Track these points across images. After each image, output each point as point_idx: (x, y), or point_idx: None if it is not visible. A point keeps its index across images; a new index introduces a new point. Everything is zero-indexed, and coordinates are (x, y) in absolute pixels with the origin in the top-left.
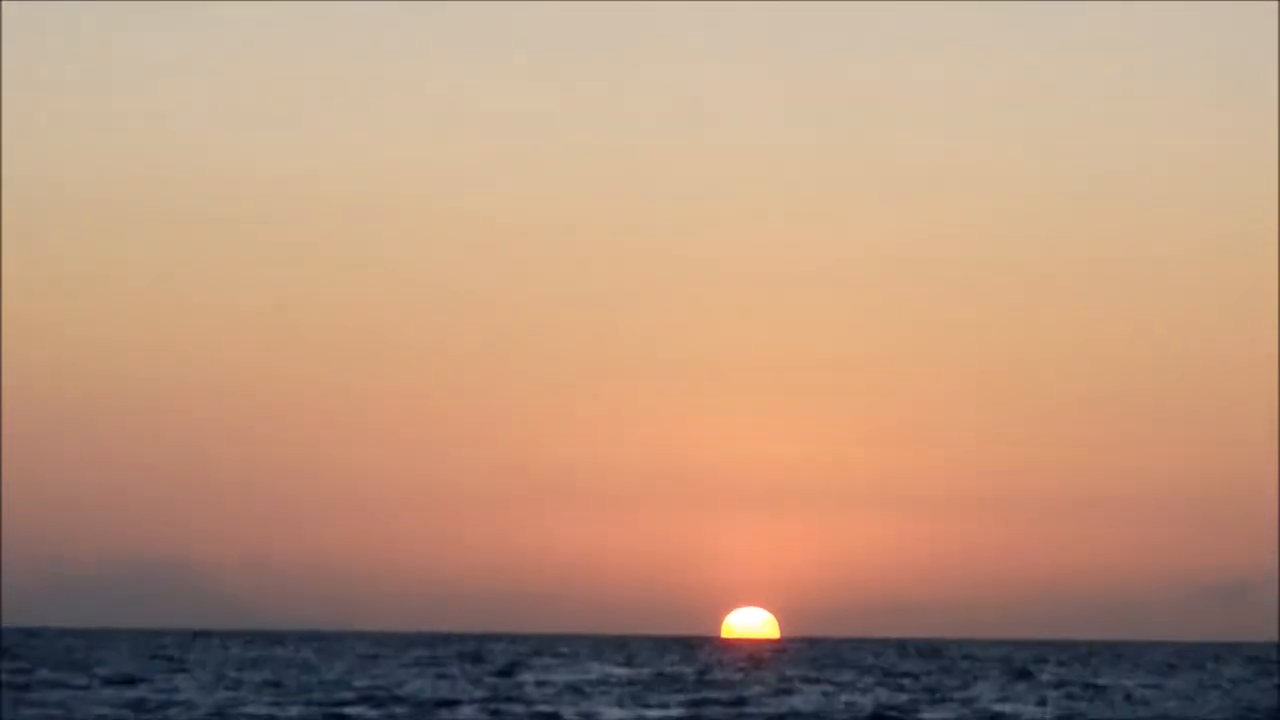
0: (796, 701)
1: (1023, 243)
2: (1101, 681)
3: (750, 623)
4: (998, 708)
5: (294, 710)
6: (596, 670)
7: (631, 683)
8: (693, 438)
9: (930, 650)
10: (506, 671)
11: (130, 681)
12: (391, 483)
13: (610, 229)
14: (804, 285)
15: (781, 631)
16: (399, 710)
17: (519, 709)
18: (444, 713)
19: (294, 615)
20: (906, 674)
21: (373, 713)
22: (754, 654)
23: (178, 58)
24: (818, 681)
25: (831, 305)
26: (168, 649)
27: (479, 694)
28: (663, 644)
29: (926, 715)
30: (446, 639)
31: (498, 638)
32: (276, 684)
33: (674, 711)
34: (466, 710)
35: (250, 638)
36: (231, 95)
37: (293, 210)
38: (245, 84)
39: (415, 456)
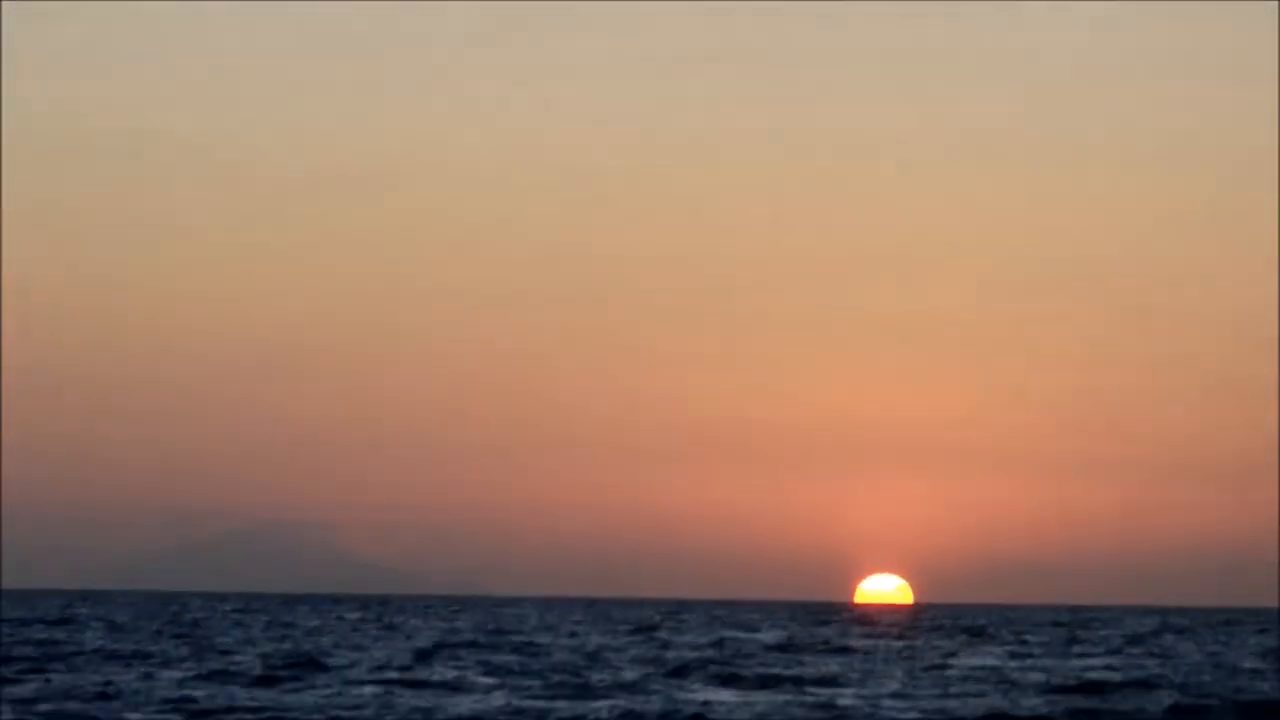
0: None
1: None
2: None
3: (883, 588)
4: None
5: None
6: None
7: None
8: (821, 399)
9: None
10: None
11: None
12: (525, 440)
13: (744, 194)
14: (941, 249)
15: (915, 598)
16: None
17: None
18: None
19: (432, 581)
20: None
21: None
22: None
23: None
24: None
25: (968, 267)
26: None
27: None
28: (804, 610)
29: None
30: (591, 603)
31: (637, 602)
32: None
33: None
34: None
35: (388, 601)
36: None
37: (400, 175)
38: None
39: (550, 413)
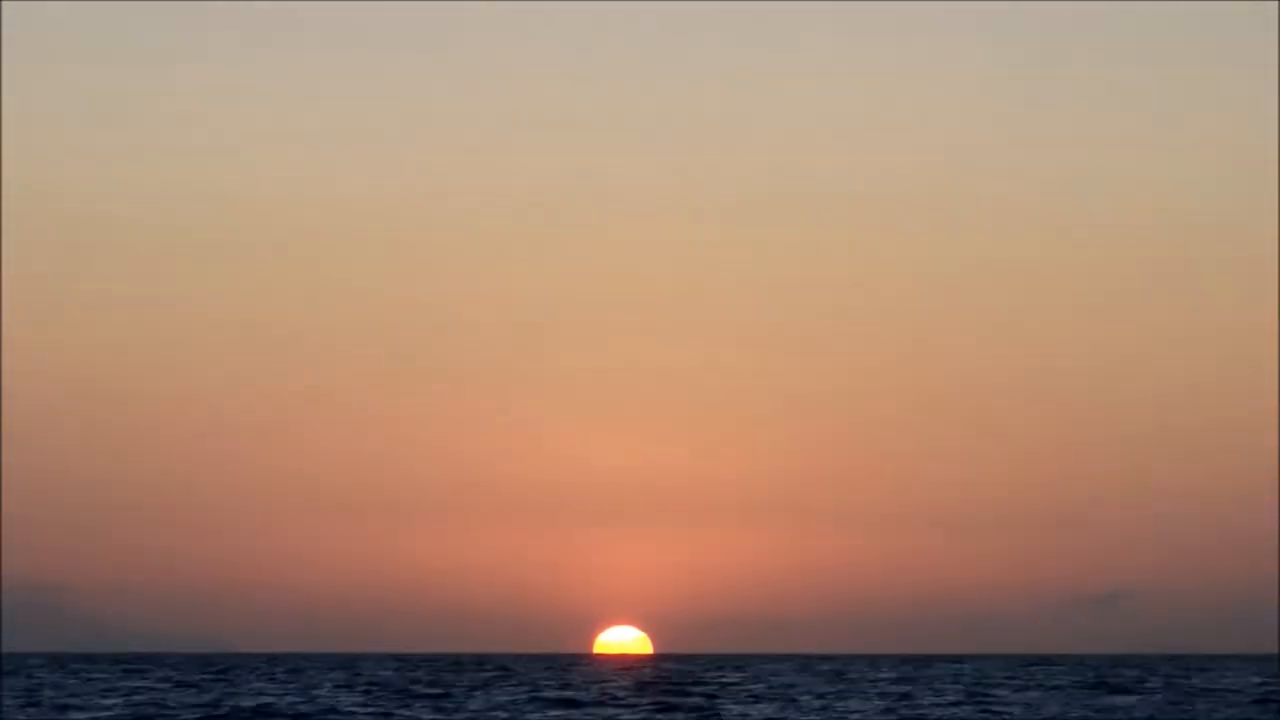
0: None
1: (857, 254)
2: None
3: (622, 639)
4: None
5: None
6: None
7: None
8: (559, 451)
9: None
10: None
11: None
12: (253, 496)
13: (497, 248)
14: (667, 297)
15: (653, 648)
16: None
17: None
18: None
19: (161, 636)
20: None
21: None
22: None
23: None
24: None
25: (693, 317)
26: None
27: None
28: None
29: None
30: (319, 657)
31: (368, 657)
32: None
33: None
34: None
35: (130, 660)
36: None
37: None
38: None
39: (277, 468)
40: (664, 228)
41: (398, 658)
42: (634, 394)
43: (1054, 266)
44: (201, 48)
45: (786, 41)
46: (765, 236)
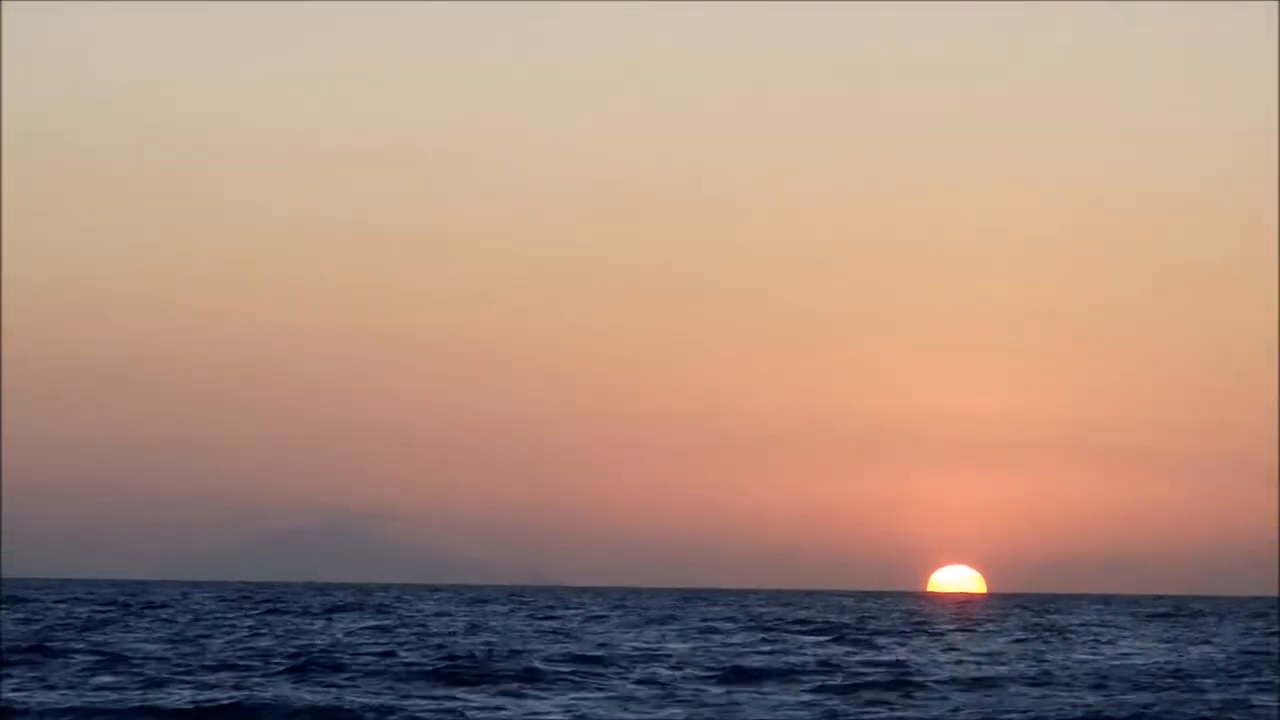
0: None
1: (1185, 201)
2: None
3: (956, 579)
4: None
5: None
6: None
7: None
8: (895, 391)
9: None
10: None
11: None
12: (595, 434)
13: (822, 191)
14: (1014, 243)
15: (988, 588)
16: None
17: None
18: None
19: (492, 569)
20: None
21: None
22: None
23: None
24: None
25: (1041, 262)
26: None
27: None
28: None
29: None
30: (653, 593)
31: (704, 593)
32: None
33: None
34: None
35: (457, 591)
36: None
37: (419, 159)
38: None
39: (616, 406)
40: (1016, 179)
41: (732, 593)
42: (971, 335)
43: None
44: None
45: None
46: (1094, 189)
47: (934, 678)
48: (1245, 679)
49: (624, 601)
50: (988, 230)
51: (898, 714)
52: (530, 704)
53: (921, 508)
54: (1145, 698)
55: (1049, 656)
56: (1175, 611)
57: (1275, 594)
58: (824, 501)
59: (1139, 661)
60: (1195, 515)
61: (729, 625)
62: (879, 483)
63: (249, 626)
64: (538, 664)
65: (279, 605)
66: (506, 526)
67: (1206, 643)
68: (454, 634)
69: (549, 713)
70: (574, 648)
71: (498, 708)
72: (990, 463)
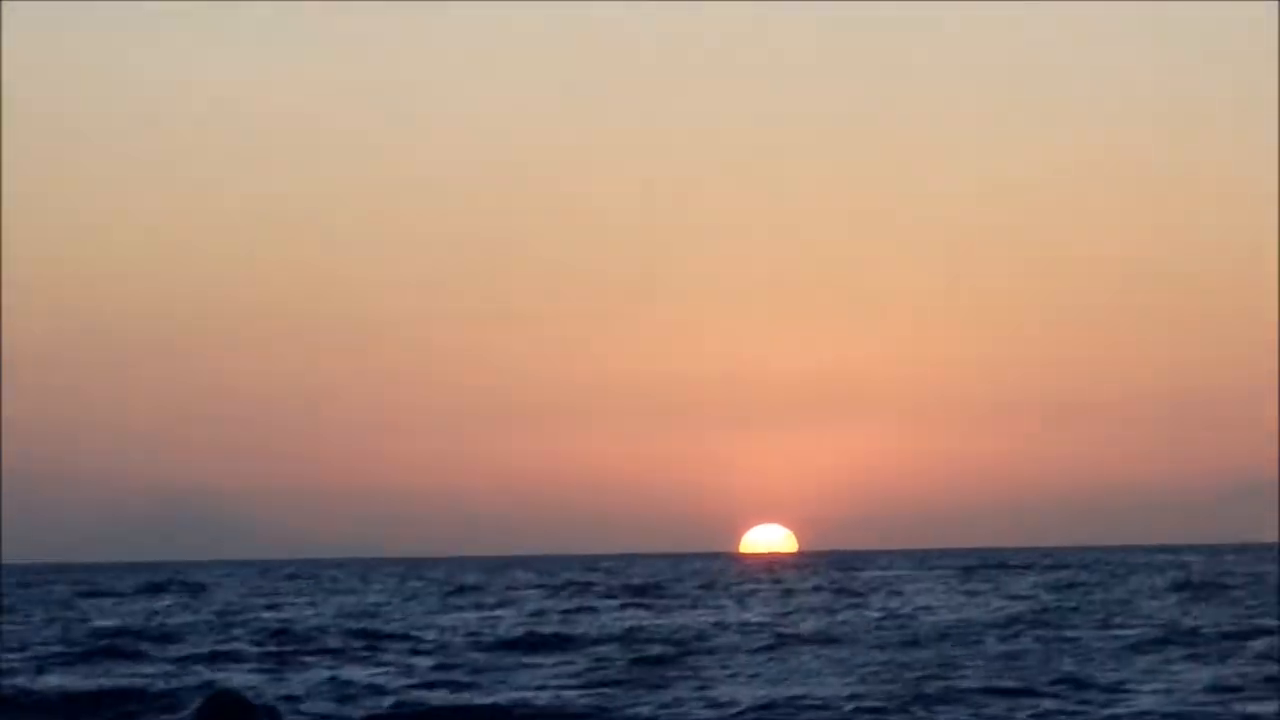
0: None
1: (1022, 158)
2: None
3: (768, 539)
4: None
5: None
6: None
7: None
8: (711, 354)
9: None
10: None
11: None
12: (409, 403)
13: (634, 157)
14: (815, 198)
15: (799, 546)
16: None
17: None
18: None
19: (310, 542)
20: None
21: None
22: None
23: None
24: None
25: (845, 219)
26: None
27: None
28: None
29: None
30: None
31: (517, 560)
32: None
33: None
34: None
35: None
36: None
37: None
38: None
39: (426, 377)
40: (826, 137)
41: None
42: (777, 296)
43: (1223, 172)
44: None
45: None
46: (939, 143)
47: (716, 640)
48: (1027, 631)
49: (423, 573)
50: (796, 194)
51: (674, 675)
52: (292, 674)
53: (733, 469)
54: (925, 654)
55: (841, 614)
56: (982, 565)
57: (1076, 544)
58: (636, 465)
59: (931, 618)
60: (1003, 466)
61: (532, 593)
62: (689, 446)
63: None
64: (329, 640)
65: (95, 588)
66: (326, 498)
67: (1011, 596)
68: (241, 612)
69: (317, 683)
70: (367, 624)
71: (250, 686)
72: (800, 422)
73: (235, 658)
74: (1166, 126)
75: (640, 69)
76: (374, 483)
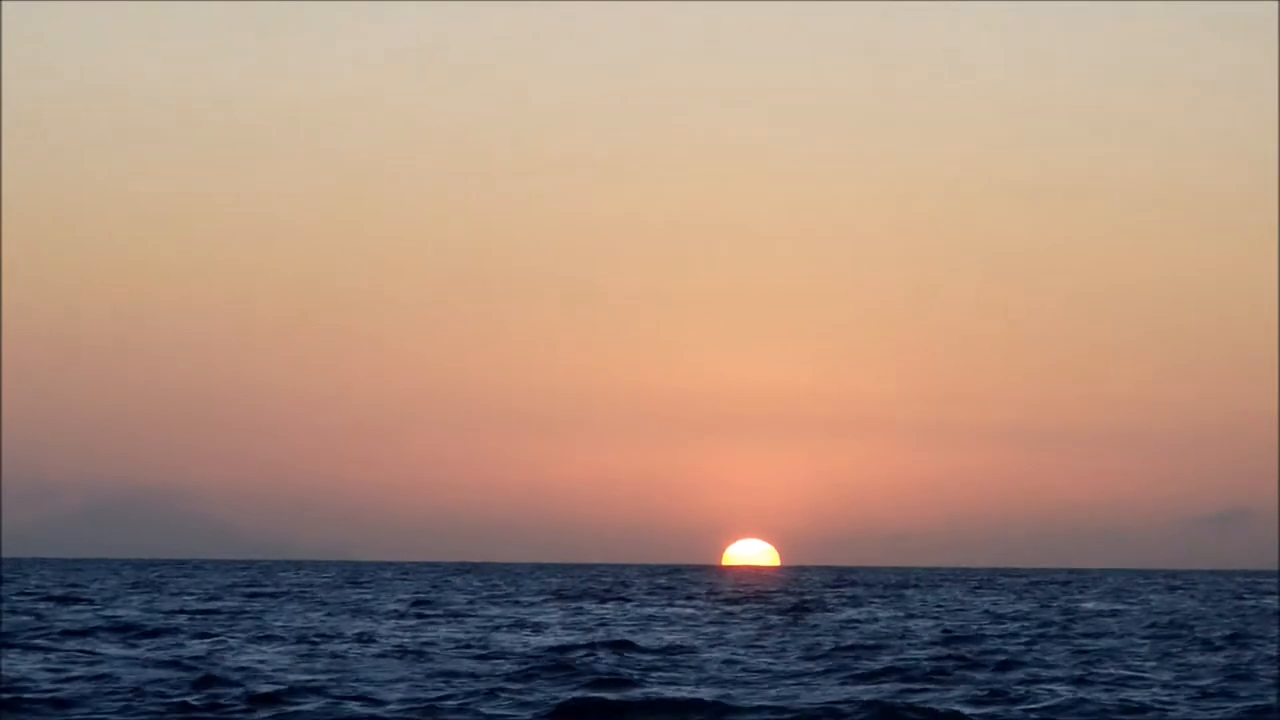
0: None
1: (983, 179)
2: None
3: (750, 553)
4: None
5: None
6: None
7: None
8: (697, 368)
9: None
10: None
11: None
12: (391, 410)
13: (616, 173)
14: (806, 217)
15: (781, 561)
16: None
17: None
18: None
19: (287, 544)
20: None
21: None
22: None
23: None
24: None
25: (832, 238)
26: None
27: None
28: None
29: None
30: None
31: (500, 568)
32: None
33: None
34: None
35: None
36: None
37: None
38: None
39: (414, 382)
40: (800, 156)
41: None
42: (765, 313)
43: (1175, 183)
44: None
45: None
46: (902, 163)
47: (639, 647)
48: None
49: (376, 579)
50: (784, 213)
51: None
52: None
53: (717, 484)
54: (825, 664)
55: (776, 630)
56: (951, 579)
57: (1047, 565)
58: (621, 478)
59: (871, 628)
60: (991, 487)
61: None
62: (675, 459)
63: None
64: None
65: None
66: (301, 502)
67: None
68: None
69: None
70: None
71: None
72: (785, 438)
73: None
74: (1159, 142)
75: (640, 75)
76: (356, 488)
